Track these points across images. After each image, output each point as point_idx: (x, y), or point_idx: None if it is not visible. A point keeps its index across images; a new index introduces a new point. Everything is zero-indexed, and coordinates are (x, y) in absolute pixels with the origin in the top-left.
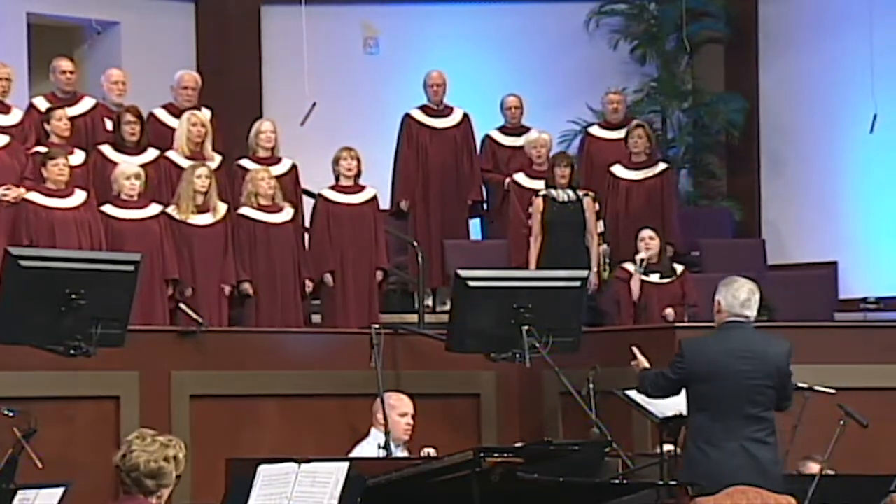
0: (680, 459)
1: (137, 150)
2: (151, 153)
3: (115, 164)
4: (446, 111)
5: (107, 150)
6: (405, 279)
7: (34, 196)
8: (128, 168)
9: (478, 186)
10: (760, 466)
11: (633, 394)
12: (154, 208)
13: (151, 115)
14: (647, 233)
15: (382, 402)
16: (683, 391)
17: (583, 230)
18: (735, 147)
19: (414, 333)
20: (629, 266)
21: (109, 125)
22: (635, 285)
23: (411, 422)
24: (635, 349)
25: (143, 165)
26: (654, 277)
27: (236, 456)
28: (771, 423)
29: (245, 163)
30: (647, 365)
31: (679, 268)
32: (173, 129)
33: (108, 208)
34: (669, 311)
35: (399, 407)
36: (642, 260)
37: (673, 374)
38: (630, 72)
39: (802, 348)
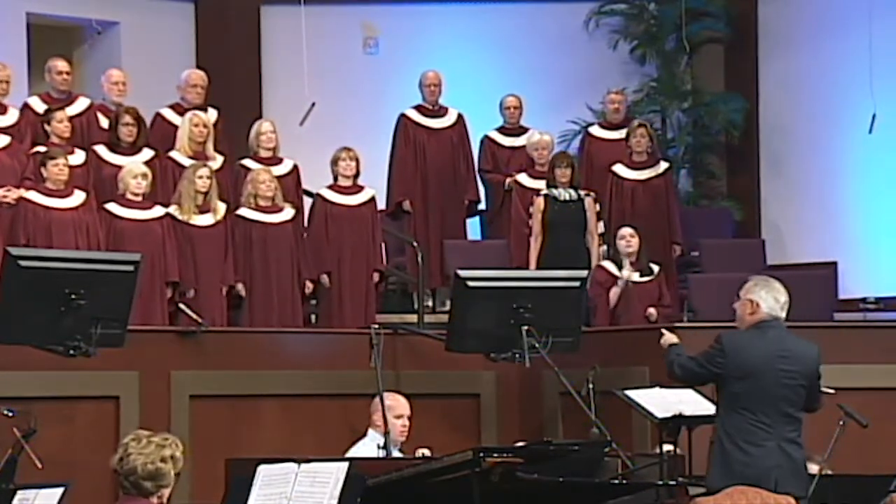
0: (710, 456)
1: (133, 150)
2: (146, 154)
3: (109, 164)
4: (441, 111)
5: (101, 150)
6: (405, 279)
7: (33, 195)
8: (135, 167)
9: (474, 187)
10: (795, 467)
11: (633, 394)
12: (158, 210)
13: (158, 115)
14: (627, 231)
15: (382, 401)
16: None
17: (583, 230)
18: (735, 147)
19: (414, 333)
20: (609, 266)
21: (104, 121)
22: (613, 299)
23: (407, 423)
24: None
25: None
26: (635, 276)
27: (236, 456)
28: (801, 424)
29: (248, 163)
30: (675, 340)
31: (655, 267)
32: None
33: (112, 207)
34: (652, 311)
35: (395, 409)
36: (627, 279)
37: (712, 366)
38: (630, 72)
39: None
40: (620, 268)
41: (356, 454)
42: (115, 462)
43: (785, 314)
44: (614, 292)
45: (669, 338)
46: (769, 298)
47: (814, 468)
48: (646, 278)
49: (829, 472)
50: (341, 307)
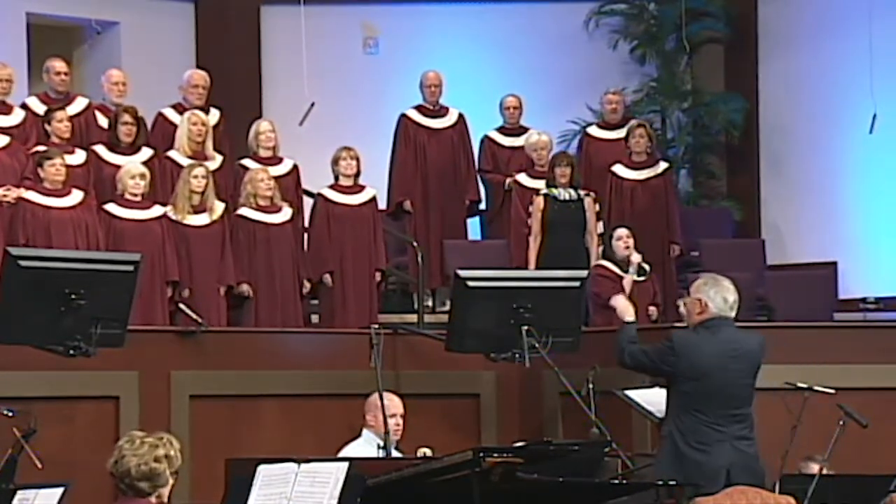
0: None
1: (132, 150)
2: (145, 153)
3: (109, 163)
4: (442, 111)
5: (101, 149)
6: (405, 279)
7: (31, 195)
8: (133, 168)
9: (474, 187)
10: (748, 462)
11: (633, 394)
12: (157, 210)
13: (160, 115)
14: (623, 231)
15: (382, 401)
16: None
17: (583, 230)
18: (735, 147)
19: (414, 333)
20: (609, 265)
21: (103, 121)
22: (627, 287)
23: (400, 422)
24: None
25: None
26: (636, 264)
27: (236, 456)
28: (752, 419)
29: (247, 162)
30: (631, 314)
31: (647, 267)
32: None
33: (112, 207)
34: (652, 310)
35: (388, 408)
36: (638, 263)
37: (663, 364)
38: (630, 72)
39: (802, 348)
40: (619, 267)
41: (349, 454)
42: (111, 465)
43: (735, 313)
44: (628, 279)
45: (624, 307)
46: (717, 298)
47: (814, 468)
48: (642, 278)
49: (830, 472)
50: (345, 307)
